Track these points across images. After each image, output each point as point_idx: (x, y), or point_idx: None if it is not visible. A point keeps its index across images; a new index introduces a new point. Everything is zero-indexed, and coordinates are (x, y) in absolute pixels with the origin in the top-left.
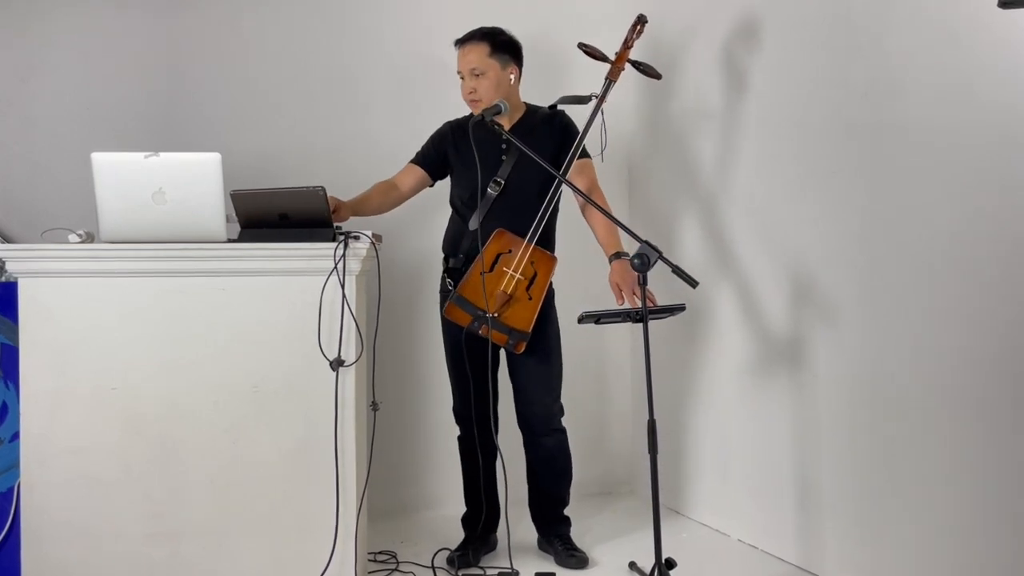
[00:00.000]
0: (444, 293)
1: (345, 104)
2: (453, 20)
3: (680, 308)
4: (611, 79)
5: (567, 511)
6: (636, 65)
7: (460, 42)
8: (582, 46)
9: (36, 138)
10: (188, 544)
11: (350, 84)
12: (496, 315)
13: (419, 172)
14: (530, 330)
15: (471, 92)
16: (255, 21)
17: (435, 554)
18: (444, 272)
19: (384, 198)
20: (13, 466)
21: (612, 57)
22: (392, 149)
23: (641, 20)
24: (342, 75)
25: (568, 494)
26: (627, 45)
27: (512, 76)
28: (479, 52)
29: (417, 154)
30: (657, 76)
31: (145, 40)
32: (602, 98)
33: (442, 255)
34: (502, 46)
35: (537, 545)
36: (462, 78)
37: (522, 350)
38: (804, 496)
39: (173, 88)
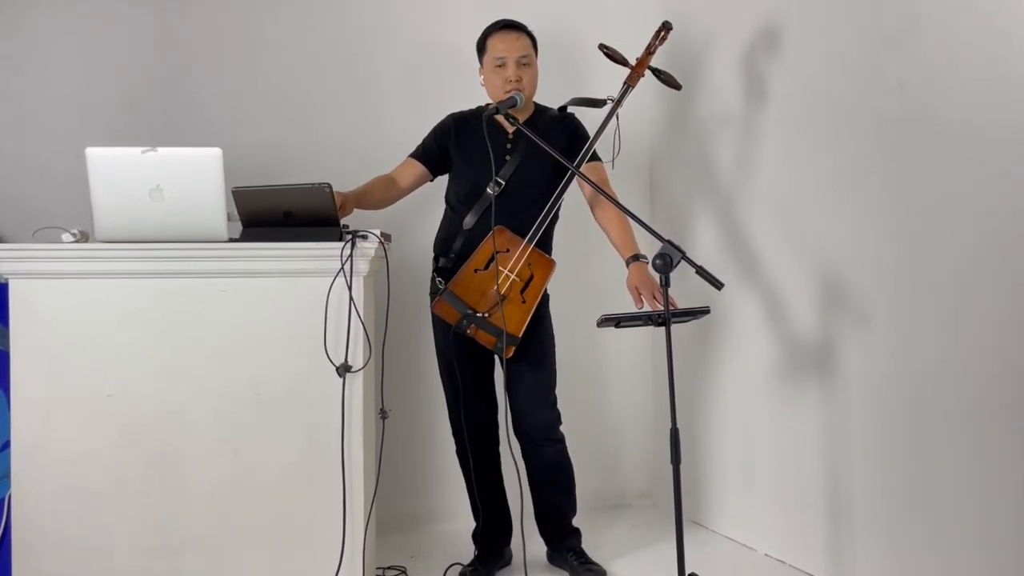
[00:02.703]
0: (434, 294)
1: (352, 96)
2: (465, 8)
3: (704, 311)
4: (629, 84)
5: (576, 522)
6: (657, 73)
7: (509, 27)
8: (603, 48)
9: (28, 132)
10: (187, 558)
11: (358, 75)
12: (486, 315)
13: (419, 167)
14: (520, 334)
15: (516, 81)
16: (258, 10)
17: (447, 569)
18: (434, 271)
19: (385, 193)
20: (4, 476)
21: (633, 62)
22: (402, 143)
23: (666, 27)
24: (349, 66)
25: (574, 504)
26: (649, 51)
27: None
28: (527, 41)
29: (417, 148)
30: (677, 87)
31: (143, 30)
32: (618, 103)
33: (432, 254)
34: (535, 43)
35: (548, 560)
36: (500, 65)
37: (510, 355)
38: (834, 508)
39: (172, 80)
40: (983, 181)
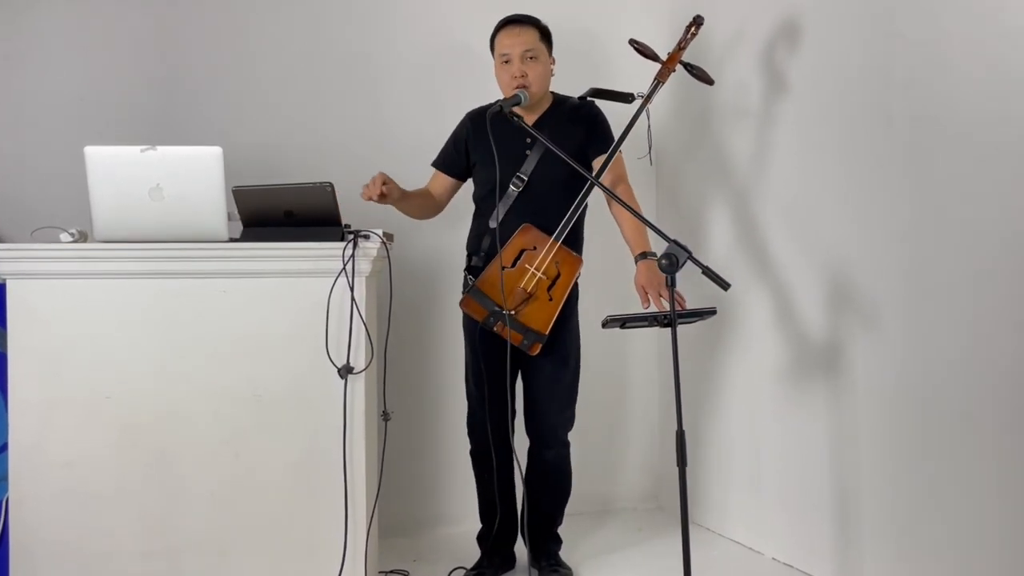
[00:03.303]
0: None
1: (356, 94)
2: (473, 3)
3: (711, 312)
4: (660, 80)
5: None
6: (689, 68)
7: (511, 22)
8: (633, 43)
9: (26, 131)
10: (187, 562)
11: (362, 71)
12: (513, 312)
13: (444, 178)
14: (547, 332)
15: (522, 76)
16: (259, 7)
17: (450, 573)
18: (466, 270)
19: (424, 202)
20: (2, 479)
21: (664, 57)
22: (408, 141)
23: (697, 22)
24: (353, 63)
25: (562, 513)
26: (680, 46)
27: (552, 67)
28: (532, 34)
29: (437, 157)
30: (710, 82)
31: (142, 25)
32: (648, 99)
33: (466, 253)
34: (546, 34)
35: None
36: (506, 61)
37: (536, 352)
38: (843, 512)
39: (172, 76)
40: (994, 180)
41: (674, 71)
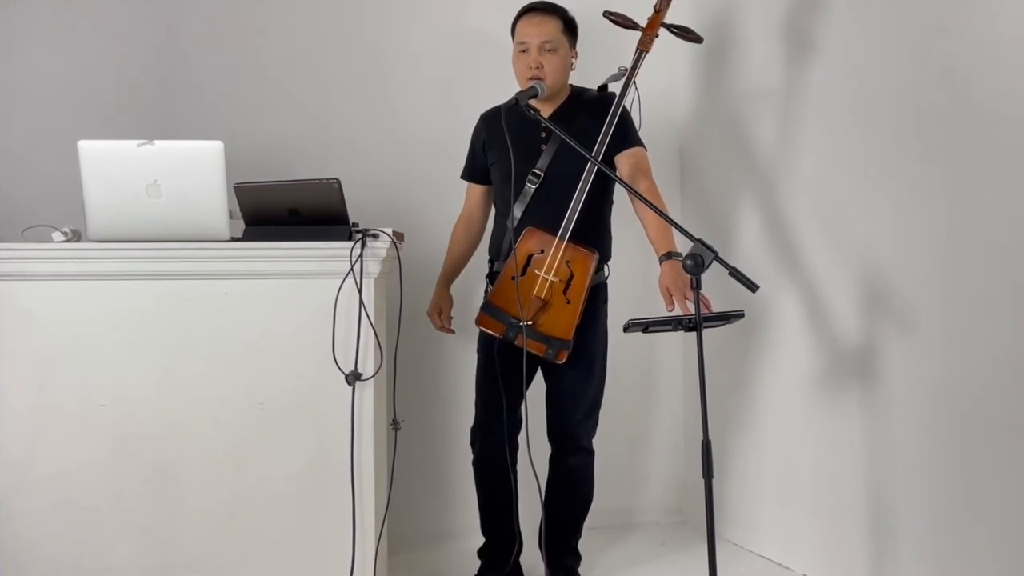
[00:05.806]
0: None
1: (365, 84)
2: None
3: (738, 315)
4: (642, 49)
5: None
6: (672, 29)
7: (531, 9)
8: (608, 15)
9: (16, 124)
10: None
11: (372, 61)
12: (531, 323)
13: (475, 188)
14: (571, 337)
15: (537, 68)
16: None
17: None
18: (487, 277)
19: (468, 240)
20: None
21: (643, 24)
22: (419, 135)
23: None
24: (362, 52)
25: (582, 526)
26: (657, 9)
27: (573, 61)
28: (554, 25)
29: (464, 169)
30: (698, 40)
31: (138, 13)
32: (632, 70)
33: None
34: (571, 26)
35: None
36: (523, 50)
37: (564, 359)
38: (877, 525)
39: (170, 66)
40: None
41: (657, 36)
